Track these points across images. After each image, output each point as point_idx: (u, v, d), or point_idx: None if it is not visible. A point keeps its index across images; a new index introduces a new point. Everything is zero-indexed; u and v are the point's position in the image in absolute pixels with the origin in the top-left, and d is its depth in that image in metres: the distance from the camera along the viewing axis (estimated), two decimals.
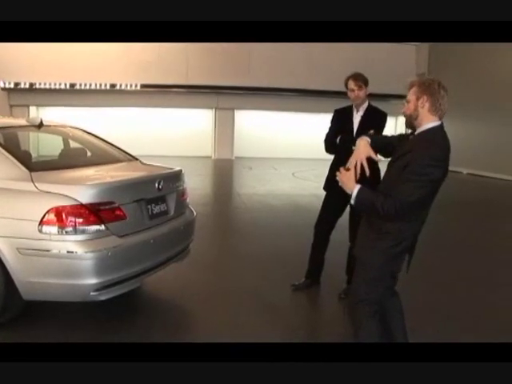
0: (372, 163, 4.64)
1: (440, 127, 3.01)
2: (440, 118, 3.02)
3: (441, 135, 3.01)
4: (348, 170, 3.15)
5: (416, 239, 3.21)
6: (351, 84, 4.85)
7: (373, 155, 3.22)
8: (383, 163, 4.53)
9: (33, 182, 3.80)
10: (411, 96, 3.03)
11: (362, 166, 3.18)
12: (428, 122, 3.01)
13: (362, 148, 3.24)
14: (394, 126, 21.63)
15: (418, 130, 3.06)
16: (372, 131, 3.72)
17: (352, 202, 3.10)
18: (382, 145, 3.35)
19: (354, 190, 3.05)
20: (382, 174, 3.36)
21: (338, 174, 3.18)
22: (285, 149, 22.72)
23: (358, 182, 3.10)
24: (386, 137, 3.49)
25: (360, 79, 4.84)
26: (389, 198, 2.94)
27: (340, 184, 3.15)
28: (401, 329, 3.39)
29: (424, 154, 2.90)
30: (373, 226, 3.17)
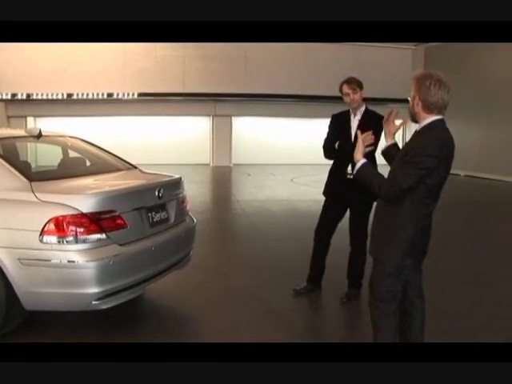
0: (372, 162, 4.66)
1: (439, 121, 3.08)
2: (438, 113, 3.08)
3: (439, 128, 3.08)
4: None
5: (426, 235, 3.26)
6: (345, 88, 4.88)
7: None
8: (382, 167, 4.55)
9: (33, 192, 3.80)
10: (411, 92, 3.13)
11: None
12: (425, 119, 3.09)
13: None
14: None
15: (420, 125, 3.15)
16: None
17: (354, 171, 3.28)
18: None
19: (359, 162, 3.21)
20: None
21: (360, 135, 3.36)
22: (283, 155, 22.70)
23: None
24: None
25: (354, 82, 4.86)
26: (385, 181, 3.10)
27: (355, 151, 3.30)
28: (419, 334, 3.41)
29: (419, 143, 3.04)
30: (384, 223, 3.25)
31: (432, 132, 3.05)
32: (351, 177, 4.84)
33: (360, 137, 3.32)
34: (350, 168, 4.78)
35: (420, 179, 3.00)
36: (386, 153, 3.46)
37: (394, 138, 3.46)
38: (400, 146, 3.54)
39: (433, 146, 2.99)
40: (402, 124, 3.51)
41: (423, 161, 2.96)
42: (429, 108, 3.05)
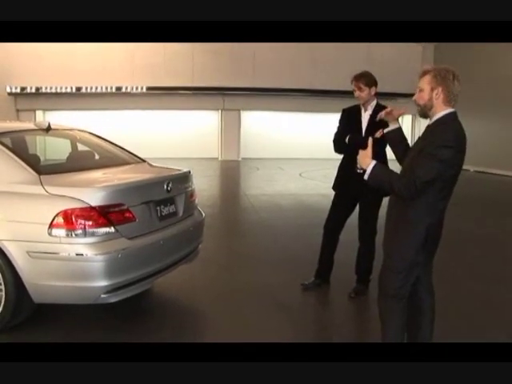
0: (383, 158, 4.58)
1: (453, 114, 3.09)
2: (453, 106, 3.10)
3: (454, 120, 3.08)
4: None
5: (439, 229, 3.24)
6: (352, 84, 4.85)
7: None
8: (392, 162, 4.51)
9: (42, 185, 3.81)
10: (425, 85, 3.09)
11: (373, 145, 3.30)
12: (440, 112, 3.09)
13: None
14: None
15: (433, 119, 3.12)
16: (380, 131, 3.73)
17: (366, 176, 3.19)
18: (402, 138, 3.53)
19: (370, 165, 3.16)
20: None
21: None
22: (291, 149, 22.68)
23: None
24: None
25: (361, 80, 4.80)
26: (403, 177, 3.04)
27: (358, 163, 3.31)
28: (428, 331, 3.39)
29: (437, 137, 3.01)
30: (397, 219, 3.22)
31: (448, 124, 3.05)
32: (361, 171, 4.81)
33: (369, 142, 3.28)
34: None
35: (442, 171, 2.98)
36: (390, 136, 3.54)
37: (397, 122, 3.53)
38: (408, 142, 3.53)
39: (451, 138, 2.99)
40: (402, 112, 3.58)
41: (444, 153, 2.94)
42: (449, 101, 3.07)
